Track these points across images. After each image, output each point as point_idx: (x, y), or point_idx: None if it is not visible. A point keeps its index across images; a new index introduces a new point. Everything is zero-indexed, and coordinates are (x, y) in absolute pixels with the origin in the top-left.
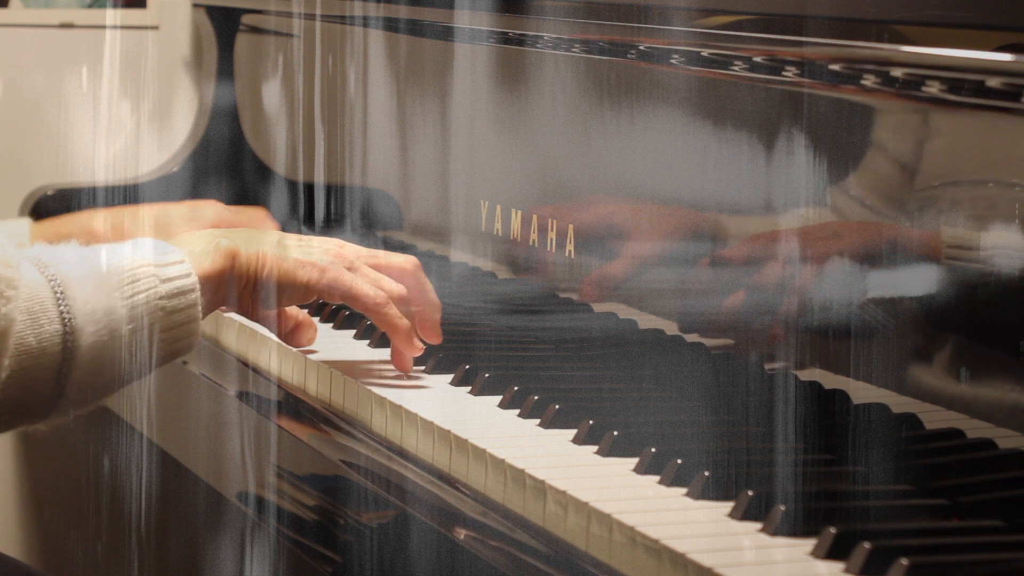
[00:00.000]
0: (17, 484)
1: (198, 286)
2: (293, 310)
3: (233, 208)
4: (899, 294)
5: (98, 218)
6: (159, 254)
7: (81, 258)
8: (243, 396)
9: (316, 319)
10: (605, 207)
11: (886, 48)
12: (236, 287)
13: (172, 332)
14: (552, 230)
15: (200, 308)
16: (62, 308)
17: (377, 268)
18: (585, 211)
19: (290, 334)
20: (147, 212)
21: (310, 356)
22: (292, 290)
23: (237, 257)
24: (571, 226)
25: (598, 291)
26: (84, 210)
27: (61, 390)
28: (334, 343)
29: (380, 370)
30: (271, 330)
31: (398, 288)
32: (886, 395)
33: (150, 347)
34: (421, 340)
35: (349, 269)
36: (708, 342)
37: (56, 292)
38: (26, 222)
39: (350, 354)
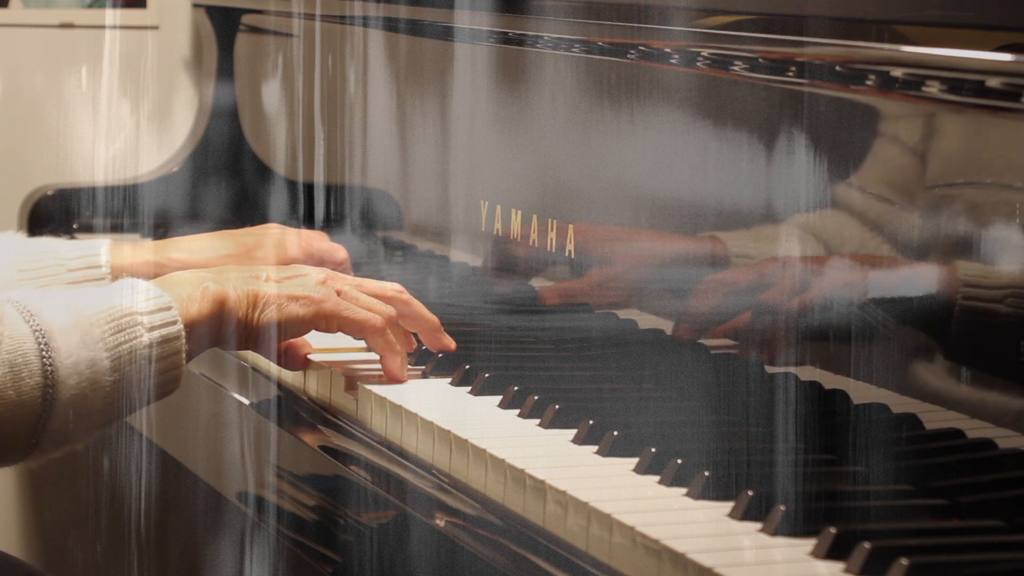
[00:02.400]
0: (17, 484)
1: (183, 334)
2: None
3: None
4: (899, 294)
5: (171, 249)
6: (147, 300)
7: (67, 306)
8: (243, 396)
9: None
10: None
11: (886, 48)
12: (225, 330)
13: (154, 380)
14: (552, 230)
15: (184, 355)
16: (45, 360)
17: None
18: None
19: (285, 358)
20: (209, 243)
21: (310, 356)
22: (287, 326)
23: (226, 301)
24: (571, 226)
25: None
26: (169, 238)
27: (38, 440)
28: (334, 343)
29: (380, 370)
30: (271, 359)
31: (388, 310)
32: (886, 395)
33: (131, 394)
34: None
35: (338, 295)
36: (709, 342)
37: (40, 343)
38: (104, 244)
39: (350, 355)
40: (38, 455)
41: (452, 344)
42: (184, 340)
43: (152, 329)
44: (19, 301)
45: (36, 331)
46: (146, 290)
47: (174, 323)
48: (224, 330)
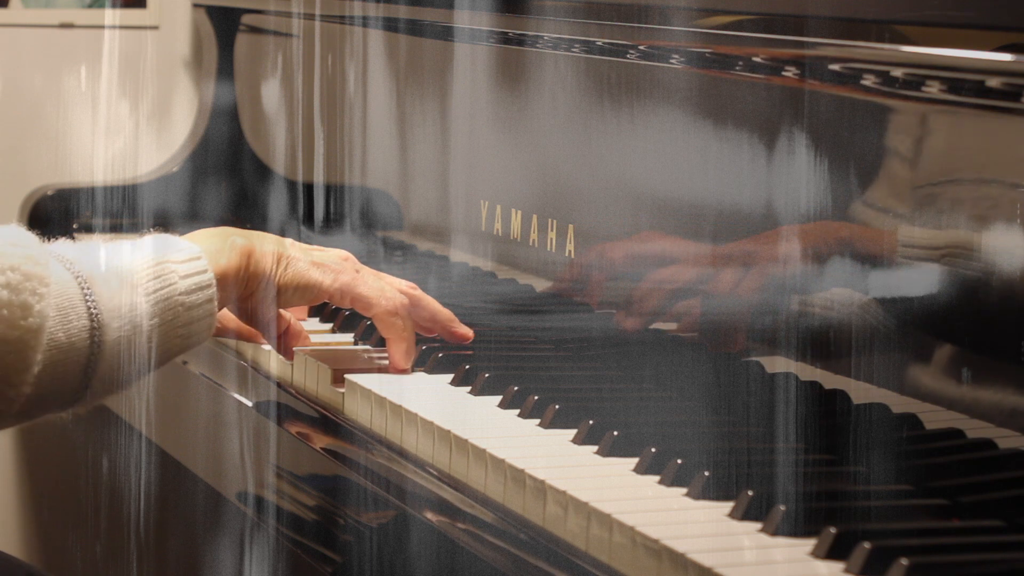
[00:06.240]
0: (17, 484)
1: (215, 283)
2: (285, 315)
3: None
4: (899, 294)
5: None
6: (178, 251)
7: (104, 255)
8: (243, 396)
9: (316, 319)
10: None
11: (886, 48)
12: (252, 284)
13: (190, 327)
14: (552, 230)
15: (216, 304)
16: (89, 304)
17: None
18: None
19: (281, 340)
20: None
21: (309, 356)
22: (304, 290)
23: (252, 255)
24: (571, 226)
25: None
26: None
27: (87, 383)
28: (331, 339)
29: (379, 367)
30: (269, 337)
31: (401, 298)
32: (886, 395)
33: (169, 341)
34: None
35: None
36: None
37: (83, 289)
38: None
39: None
40: (87, 401)
41: (470, 333)
42: (215, 288)
43: (185, 277)
44: (56, 251)
45: (78, 277)
46: (176, 242)
47: (205, 272)
48: (250, 284)
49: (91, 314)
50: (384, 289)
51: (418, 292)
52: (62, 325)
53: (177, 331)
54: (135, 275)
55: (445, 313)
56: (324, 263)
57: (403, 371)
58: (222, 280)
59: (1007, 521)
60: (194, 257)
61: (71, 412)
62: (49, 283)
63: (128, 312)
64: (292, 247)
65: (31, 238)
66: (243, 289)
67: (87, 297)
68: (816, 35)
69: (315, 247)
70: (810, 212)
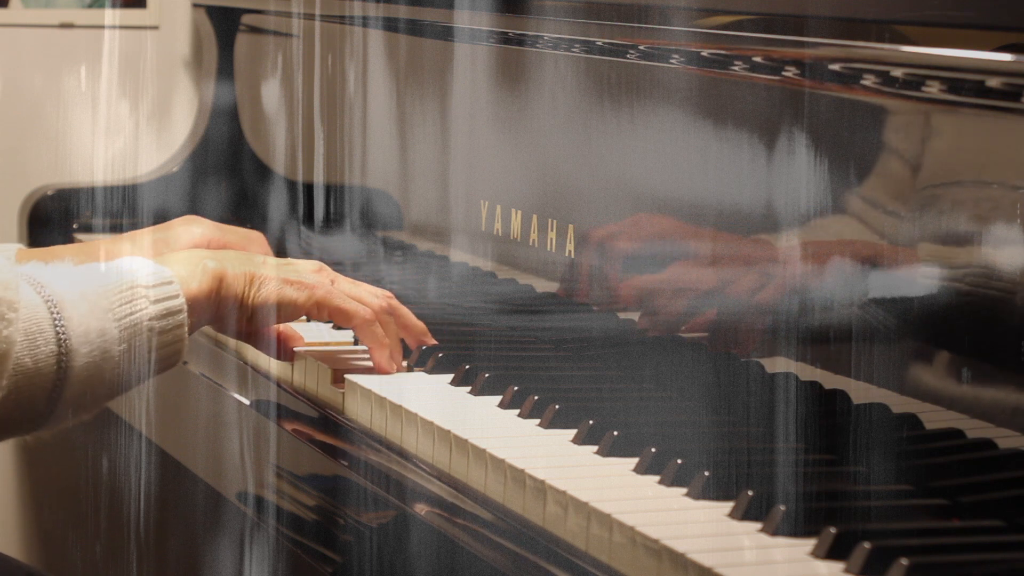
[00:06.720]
0: (17, 484)
1: (185, 307)
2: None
3: (225, 227)
4: (899, 294)
5: (90, 250)
6: (150, 275)
7: (76, 278)
8: (243, 396)
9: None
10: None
11: (886, 48)
12: (223, 307)
13: (159, 352)
14: (552, 230)
15: (186, 329)
16: (58, 329)
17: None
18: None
19: (279, 349)
20: (139, 241)
21: (309, 356)
22: (281, 307)
23: (224, 278)
24: (571, 226)
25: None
26: (75, 243)
27: (53, 407)
28: (324, 338)
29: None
30: (262, 350)
31: (378, 302)
32: (886, 395)
33: (138, 365)
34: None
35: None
36: (697, 338)
37: (53, 313)
38: (13, 248)
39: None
40: (52, 424)
41: (433, 340)
42: (186, 313)
43: (156, 302)
44: (28, 274)
45: (47, 301)
46: (147, 266)
47: (176, 297)
48: (222, 307)
49: (59, 339)
50: (361, 297)
51: (393, 302)
52: (29, 350)
53: (147, 355)
54: (106, 299)
55: (419, 326)
56: (297, 280)
57: (386, 374)
58: (193, 304)
59: (1007, 521)
60: (165, 282)
61: (35, 436)
62: (18, 308)
63: (98, 338)
64: (264, 265)
65: (1, 261)
66: (215, 312)
67: (56, 322)
68: (816, 35)
69: (289, 260)
70: (810, 212)
